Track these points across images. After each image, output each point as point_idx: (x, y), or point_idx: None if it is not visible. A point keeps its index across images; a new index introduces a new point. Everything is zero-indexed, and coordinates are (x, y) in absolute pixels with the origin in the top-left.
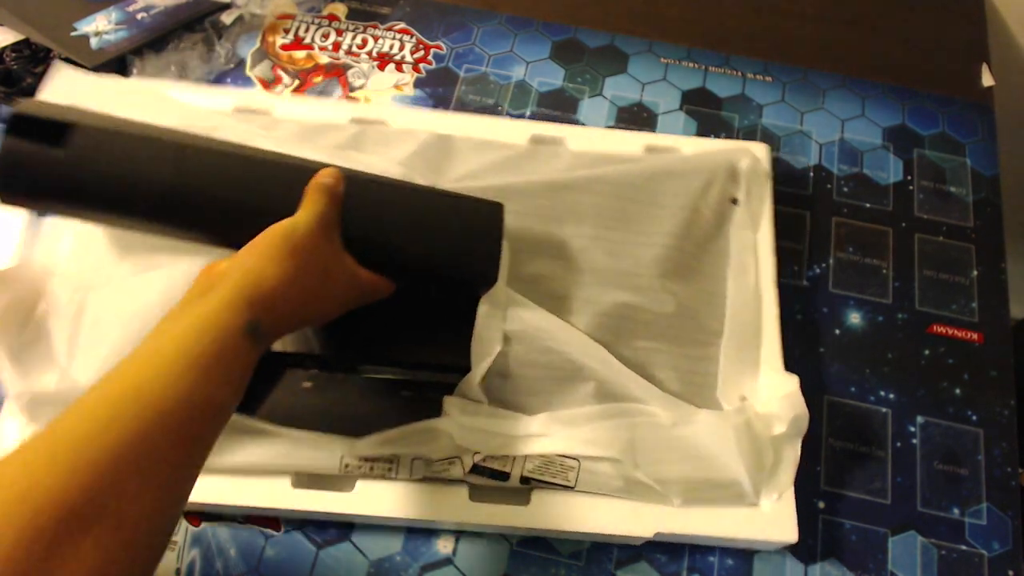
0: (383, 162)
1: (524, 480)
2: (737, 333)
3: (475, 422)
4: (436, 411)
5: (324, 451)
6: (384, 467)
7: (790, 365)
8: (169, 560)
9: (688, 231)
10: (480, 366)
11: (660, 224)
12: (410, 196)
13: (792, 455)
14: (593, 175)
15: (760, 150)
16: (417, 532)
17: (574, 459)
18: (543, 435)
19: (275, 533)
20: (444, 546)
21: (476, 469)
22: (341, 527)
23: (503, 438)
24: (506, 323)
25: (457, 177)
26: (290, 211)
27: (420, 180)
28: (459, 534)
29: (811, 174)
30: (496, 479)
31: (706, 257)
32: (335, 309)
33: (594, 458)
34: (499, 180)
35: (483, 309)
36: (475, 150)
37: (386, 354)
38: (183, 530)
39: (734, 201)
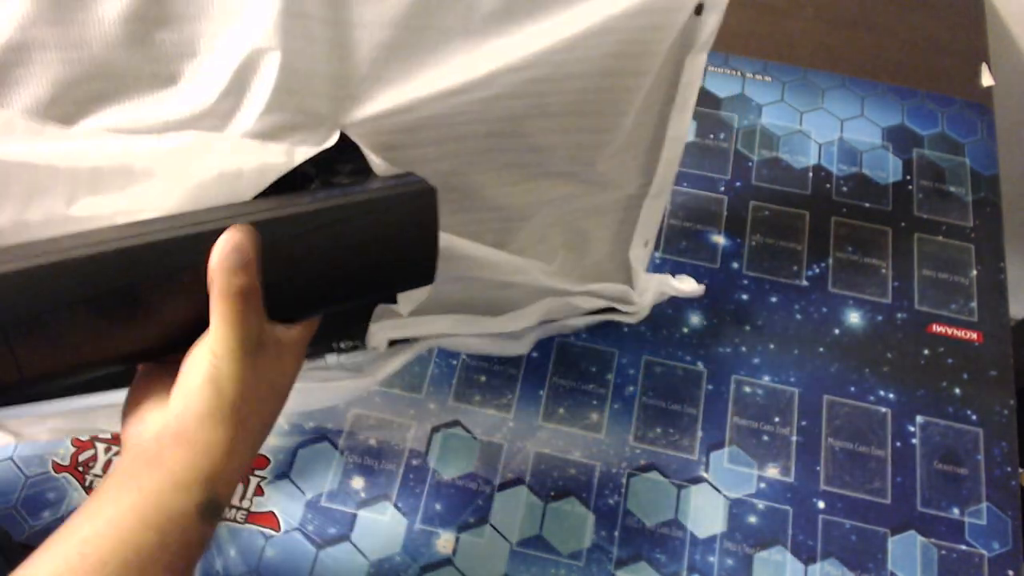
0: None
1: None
2: (662, 177)
3: (404, 330)
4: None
5: None
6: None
7: (789, 364)
8: None
9: (651, 98)
10: (408, 305)
11: (629, 111)
12: (326, 226)
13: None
14: (539, 75)
15: None
16: (417, 532)
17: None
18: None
19: (275, 533)
20: (444, 546)
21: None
22: (341, 526)
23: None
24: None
25: (356, 97)
26: (194, 303)
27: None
28: (459, 534)
29: (810, 174)
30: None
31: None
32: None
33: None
34: (412, 91)
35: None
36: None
37: None
38: None
39: (698, 10)
